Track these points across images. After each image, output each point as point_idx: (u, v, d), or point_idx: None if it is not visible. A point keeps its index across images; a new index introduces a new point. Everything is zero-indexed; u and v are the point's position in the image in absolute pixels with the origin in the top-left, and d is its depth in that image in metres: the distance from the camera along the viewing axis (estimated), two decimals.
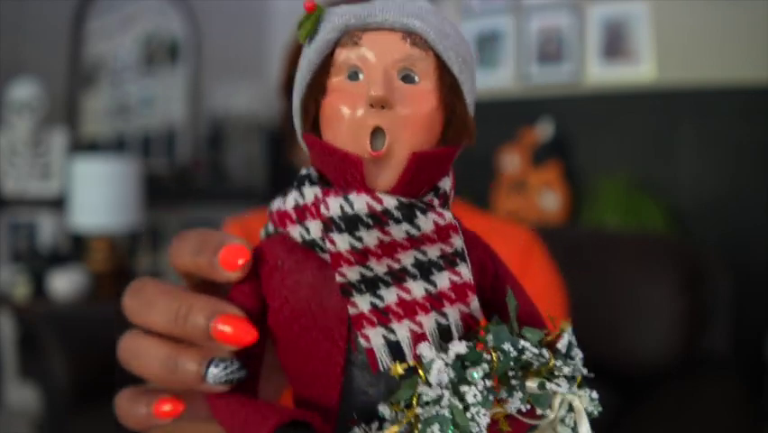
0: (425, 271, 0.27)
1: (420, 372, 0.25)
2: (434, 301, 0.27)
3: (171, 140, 2.64)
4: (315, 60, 0.27)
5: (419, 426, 0.24)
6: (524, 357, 0.25)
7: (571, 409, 0.26)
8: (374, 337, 0.26)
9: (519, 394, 0.25)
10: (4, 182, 2.09)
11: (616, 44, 2.08)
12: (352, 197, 0.26)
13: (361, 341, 0.26)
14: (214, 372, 0.27)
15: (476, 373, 0.24)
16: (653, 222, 1.88)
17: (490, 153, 2.21)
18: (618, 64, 2.07)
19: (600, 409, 0.26)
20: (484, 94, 2.31)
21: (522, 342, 0.25)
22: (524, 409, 0.25)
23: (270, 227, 0.30)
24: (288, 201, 0.28)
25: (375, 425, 0.26)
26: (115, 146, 2.50)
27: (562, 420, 0.26)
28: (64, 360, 1.28)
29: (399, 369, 0.25)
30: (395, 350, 0.26)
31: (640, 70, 2.03)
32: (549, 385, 0.25)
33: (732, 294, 1.42)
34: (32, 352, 1.64)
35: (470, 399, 0.24)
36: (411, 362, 0.26)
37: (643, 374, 1.35)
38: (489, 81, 2.30)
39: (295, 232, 0.28)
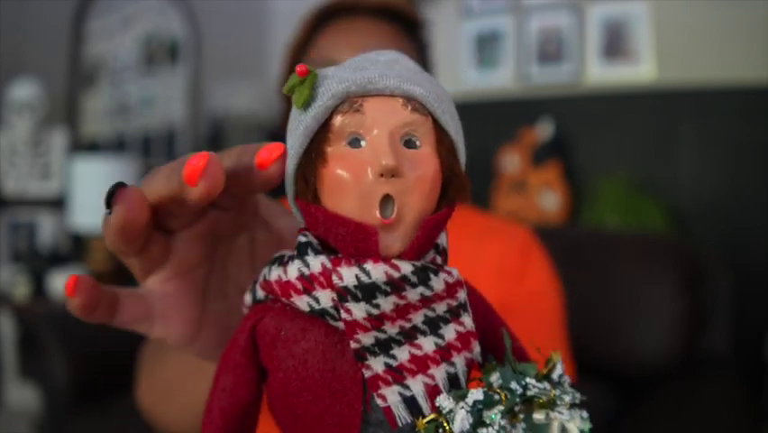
0: (433, 326, 0.27)
1: (444, 422, 0.26)
2: (444, 353, 0.27)
3: (171, 140, 2.64)
4: (313, 127, 0.27)
5: None
6: (529, 393, 0.26)
7: (564, 430, 0.27)
8: (390, 396, 0.26)
9: (522, 425, 0.26)
10: (4, 182, 2.09)
11: (616, 44, 2.08)
12: (369, 266, 0.26)
13: (378, 401, 0.26)
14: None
15: (494, 416, 0.25)
16: (653, 222, 1.88)
17: (490, 153, 2.21)
18: (618, 64, 2.07)
19: (591, 426, 0.27)
20: (484, 94, 2.31)
21: (527, 379, 0.27)
22: None
23: (260, 294, 0.29)
24: (291, 271, 0.27)
25: None
26: (115, 146, 2.50)
27: None
28: (64, 360, 1.28)
29: (423, 423, 0.26)
30: (410, 404, 0.27)
31: (640, 70, 2.03)
32: (553, 414, 0.26)
33: (732, 294, 1.42)
34: (32, 352, 1.64)
35: None
36: (432, 414, 0.26)
37: (643, 374, 1.35)
38: (489, 81, 2.30)
39: (302, 302, 0.27)
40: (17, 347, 2.07)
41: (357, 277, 0.26)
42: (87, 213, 1.99)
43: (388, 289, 0.26)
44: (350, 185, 0.26)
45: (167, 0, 2.54)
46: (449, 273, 0.28)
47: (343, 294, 0.26)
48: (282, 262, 0.28)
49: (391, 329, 0.27)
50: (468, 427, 0.25)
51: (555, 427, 0.27)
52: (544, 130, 2.15)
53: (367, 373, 0.27)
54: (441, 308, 0.28)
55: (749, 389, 1.45)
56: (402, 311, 0.27)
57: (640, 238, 1.58)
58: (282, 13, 2.77)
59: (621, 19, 2.06)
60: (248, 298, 0.30)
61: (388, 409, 0.26)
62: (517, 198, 2.16)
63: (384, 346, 0.27)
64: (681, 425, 1.13)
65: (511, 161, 2.19)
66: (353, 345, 0.26)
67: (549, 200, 2.11)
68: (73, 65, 2.32)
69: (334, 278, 0.26)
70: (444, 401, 0.26)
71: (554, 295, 0.81)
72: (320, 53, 0.75)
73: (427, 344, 0.27)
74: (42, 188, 2.14)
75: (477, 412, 0.26)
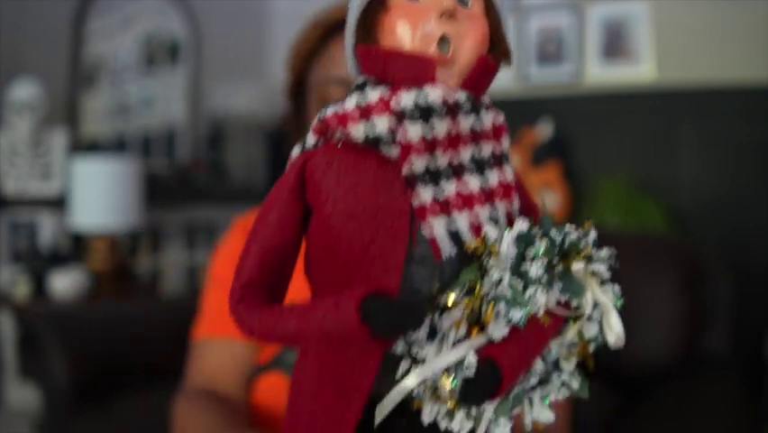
0: (479, 167, 0.29)
1: (492, 248, 0.27)
2: (487, 195, 0.29)
3: (171, 140, 2.64)
4: None
5: (484, 307, 0.27)
6: (568, 241, 0.28)
7: (596, 306, 0.28)
8: (437, 227, 0.28)
9: (560, 284, 0.27)
10: (5, 182, 2.09)
11: (616, 44, 2.08)
12: (428, 89, 0.28)
13: (425, 231, 0.27)
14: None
15: (537, 250, 0.27)
16: (653, 222, 1.88)
17: None
18: (618, 64, 2.07)
19: (623, 302, 0.29)
20: None
21: (566, 228, 0.29)
22: (562, 301, 0.28)
23: (311, 141, 0.30)
24: (348, 103, 0.29)
25: (436, 315, 0.28)
26: (115, 146, 2.50)
27: (590, 318, 0.29)
28: (64, 360, 1.28)
29: (472, 247, 0.27)
30: (455, 238, 0.28)
31: (640, 70, 2.03)
32: (590, 267, 0.28)
33: (732, 294, 1.42)
34: (32, 352, 1.64)
35: (533, 273, 0.26)
36: (478, 241, 0.28)
37: (643, 374, 1.35)
38: None
39: (357, 130, 0.28)
40: (17, 347, 2.07)
41: (416, 99, 0.27)
42: (88, 213, 1.99)
43: (444, 111, 0.28)
44: (410, 27, 0.28)
45: (167, 0, 2.54)
46: (497, 114, 0.30)
47: (402, 116, 0.27)
48: (338, 102, 0.30)
49: (442, 159, 0.28)
50: (514, 254, 0.26)
51: (589, 296, 0.28)
52: (543, 130, 2.15)
53: (415, 202, 0.27)
54: (486, 150, 0.30)
55: (749, 389, 1.45)
56: (453, 141, 0.28)
57: (640, 238, 1.58)
58: (282, 13, 2.77)
59: (621, 19, 2.06)
60: (296, 150, 0.31)
61: (434, 241, 0.27)
62: None
63: (434, 177, 0.28)
64: (680, 425, 1.13)
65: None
66: (405, 170, 0.28)
67: (549, 200, 2.11)
68: (73, 65, 2.32)
69: (393, 102, 0.28)
70: (491, 230, 0.28)
71: None
72: (330, 67, 0.75)
73: (473, 182, 0.29)
74: (42, 188, 2.14)
75: (522, 246, 0.27)
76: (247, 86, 2.70)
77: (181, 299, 1.92)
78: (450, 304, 0.27)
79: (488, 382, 0.26)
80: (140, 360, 1.31)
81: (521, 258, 0.26)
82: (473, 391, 0.26)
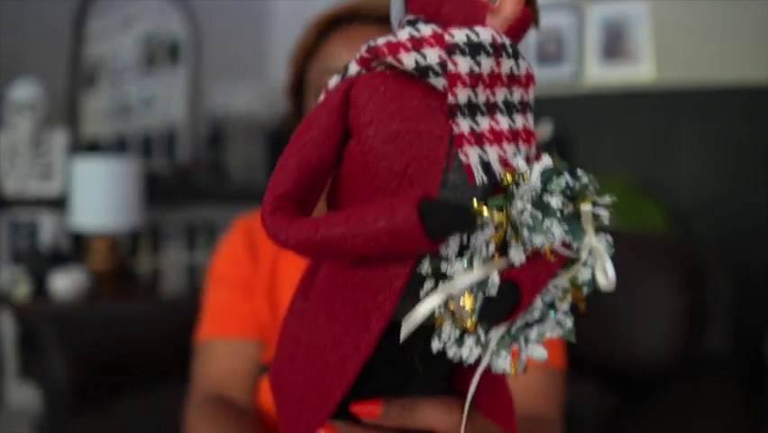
0: (509, 109, 0.32)
1: (524, 176, 0.30)
2: (514, 136, 0.31)
3: (171, 140, 2.64)
4: None
5: (509, 232, 0.29)
6: (580, 183, 0.31)
7: (590, 254, 0.31)
8: (472, 155, 0.30)
9: (565, 226, 0.30)
10: (5, 182, 2.09)
11: (615, 44, 2.08)
12: (479, 28, 0.30)
13: (462, 157, 0.30)
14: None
15: (557, 185, 0.30)
16: (653, 222, 1.88)
17: None
18: (618, 64, 2.07)
19: (614, 250, 0.31)
20: None
21: (578, 171, 0.31)
22: (567, 241, 0.30)
23: (354, 69, 0.32)
24: (402, 34, 0.31)
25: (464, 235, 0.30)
26: (116, 146, 2.50)
27: (584, 264, 0.31)
28: (64, 360, 1.28)
29: (509, 177, 0.30)
30: (486, 169, 0.30)
31: (640, 70, 2.03)
32: (596, 209, 0.31)
33: (732, 294, 1.42)
34: (32, 352, 1.64)
35: (554, 204, 0.29)
36: (508, 170, 0.30)
37: (643, 374, 1.35)
38: None
39: (409, 59, 0.30)
40: (17, 347, 2.07)
41: (467, 36, 0.30)
42: (88, 213, 1.99)
43: (491, 50, 0.30)
44: None
45: (167, 0, 2.54)
46: (530, 66, 0.32)
47: (453, 49, 0.29)
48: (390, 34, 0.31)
49: (481, 96, 0.30)
50: (540, 186, 0.29)
51: (586, 240, 0.30)
52: (543, 130, 2.15)
53: (456, 130, 0.30)
54: (516, 95, 0.32)
55: (749, 389, 1.45)
56: (493, 81, 0.30)
57: (640, 238, 1.58)
58: (282, 13, 2.77)
59: (621, 19, 2.06)
60: (335, 79, 0.33)
61: (468, 167, 0.29)
62: None
63: (472, 111, 0.30)
64: (680, 425, 1.13)
65: None
66: (450, 99, 0.30)
67: None
68: (73, 65, 2.32)
69: (447, 36, 0.30)
70: (521, 161, 0.30)
71: None
72: (328, 61, 0.75)
73: (503, 122, 0.31)
74: (43, 188, 2.14)
75: (544, 181, 0.29)
76: (247, 86, 2.70)
77: (181, 299, 1.92)
78: (486, 213, 0.29)
79: (508, 300, 0.28)
80: (140, 360, 1.31)
81: (542, 191, 0.29)
82: (494, 309, 0.28)
